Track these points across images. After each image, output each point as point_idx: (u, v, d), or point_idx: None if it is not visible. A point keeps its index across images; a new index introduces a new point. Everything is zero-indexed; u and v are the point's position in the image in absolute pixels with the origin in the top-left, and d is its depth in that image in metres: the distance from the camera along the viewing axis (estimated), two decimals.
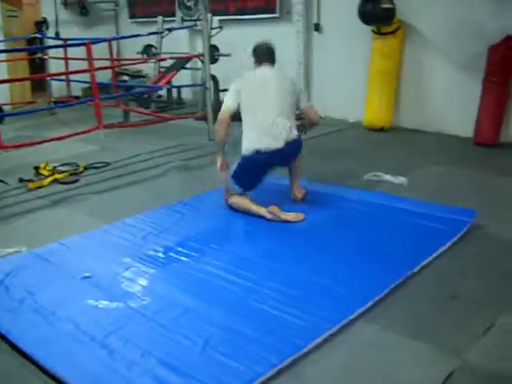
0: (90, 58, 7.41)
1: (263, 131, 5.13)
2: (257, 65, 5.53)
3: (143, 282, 4.03)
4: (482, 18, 7.80)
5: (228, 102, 5.29)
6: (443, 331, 3.46)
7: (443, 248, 4.49)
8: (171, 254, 4.47)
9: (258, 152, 5.10)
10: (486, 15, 7.75)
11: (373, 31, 8.65)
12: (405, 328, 3.48)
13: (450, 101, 8.37)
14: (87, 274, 4.11)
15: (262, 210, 5.13)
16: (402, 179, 6.22)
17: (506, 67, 7.63)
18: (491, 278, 4.14)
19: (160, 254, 4.47)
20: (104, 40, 9.26)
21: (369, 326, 3.50)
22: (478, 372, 3.09)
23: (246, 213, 5.21)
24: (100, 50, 9.05)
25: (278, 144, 5.10)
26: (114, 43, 11.30)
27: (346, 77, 9.38)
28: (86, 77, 7.76)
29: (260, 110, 5.20)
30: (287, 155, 5.27)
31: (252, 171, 5.27)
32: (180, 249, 4.54)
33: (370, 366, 3.16)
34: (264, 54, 5.52)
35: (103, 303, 3.73)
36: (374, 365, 3.17)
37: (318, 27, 9.66)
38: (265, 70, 5.48)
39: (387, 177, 6.31)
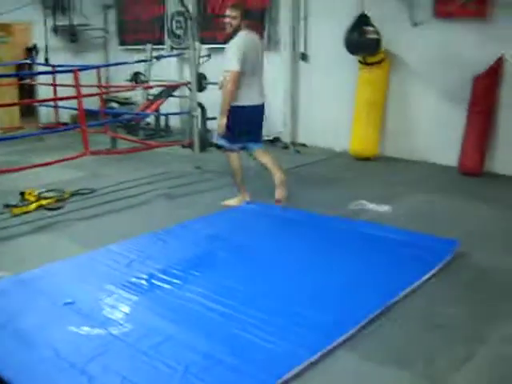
0: (77, 85, 7.44)
1: (259, 91, 6.33)
2: (244, 27, 6.21)
3: (125, 308, 4.03)
4: (466, 49, 7.94)
5: (237, 65, 5.99)
6: (423, 359, 3.48)
7: (426, 276, 4.53)
8: (154, 281, 4.47)
9: (254, 107, 6.28)
10: (471, 46, 7.88)
11: (359, 61, 8.75)
12: (385, 356, 3.51)
13: (435, 130, 8.47)
14: (69, 300, 4.10)
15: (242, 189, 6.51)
16: (385, 208, 6.27)
17: (489, 98, 7.74)
18: (473, 306, 4.18)
19: (143, 281, 4.47)
20: (91, 67, 9.32)
21: (349, 355, 3.52)
22: None
23: (233, 175, 6.55)
24: (89, 77, 9.11)
25: (263, 100, 6.41)
26: (103, 70, 11.37)
27: (332, 106, 9.46)
28: (74, 103, 7.79)
29: (257, 73, 6.25)
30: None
31: (243, 124, 6.23)
32: (163, 276, 4.54)
33: None
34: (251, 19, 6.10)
35: (84, 329, 3.72)
36: None
37: (304, 57, 9.75)
38: (254, 36, 6.36)
39: (371, 205, 6.36)
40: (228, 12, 6.16)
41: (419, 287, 4.41)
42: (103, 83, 11.68)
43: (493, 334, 3.79)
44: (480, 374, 3.37)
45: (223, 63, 6.14)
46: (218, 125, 6.29)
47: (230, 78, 6.01)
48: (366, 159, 8.81)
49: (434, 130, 8.50)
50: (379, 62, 8.61)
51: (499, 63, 7.67)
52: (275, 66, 9.61)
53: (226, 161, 6.50)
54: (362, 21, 8.26)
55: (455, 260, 4.90)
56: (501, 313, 4.08)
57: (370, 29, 8.23)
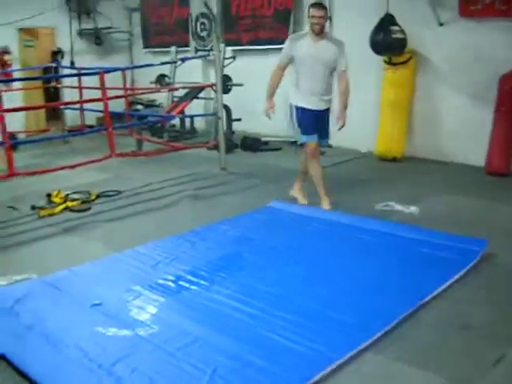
0: (103, 87, 7.46)
1: None
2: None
3: (152, 310, 4.03)
4: (492, 49, 7.86)
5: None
6: (453, 361, 3.44)
7: (454, 278, 4.47)
8: (181, 282, 4.47)
9: None
10: (497, 45, 7.81)
11: (384, 61, 8.70)
12: (414, 358, 3.46)
13: (462, 130, 8.38)
14: (96, 302, 4.11)
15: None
16: (412, 209, 6.22)
17: None
18: (502, 308, 4.12)
19: (170, 283, 4.47)
20: (117, 69, 9.34)
21: (377, 357, 3.48)
22: None
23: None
24: (114, 80, 9.14)
25: None
26: (128, 73, 11.42)
27: (357, 106, 9.37)
28: (100, 106, 7.82)
29: None
30: None
31: None
32: (190, 277, 4.54)
33: None
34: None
35: (112, 331, 3.73)
36: None
37: None
38: None
39: (398, 207, 6.31)
40: (314, 12, 5.98)
41: (447, 289, 4.35)
42: (128, 85, 11.70)
43: None
44: (510, 376, 3.32)
45: (339, 63, 6.13)
46: (344, 120, 6.24)
47: (347, 77, 6.22)
48: (392, 160, 8.75)
49: (460, 131, 8.41)
50: (405, 62, 8.55)
51: None
52: None
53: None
54: (388, 20, 8.20)
55: (483, 261, 4.83)
56: None
57: (396, 28, 8.17)
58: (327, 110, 6.33)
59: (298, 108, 6.21)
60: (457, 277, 4.51)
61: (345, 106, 6.25)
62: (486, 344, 3.63)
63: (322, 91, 6.18)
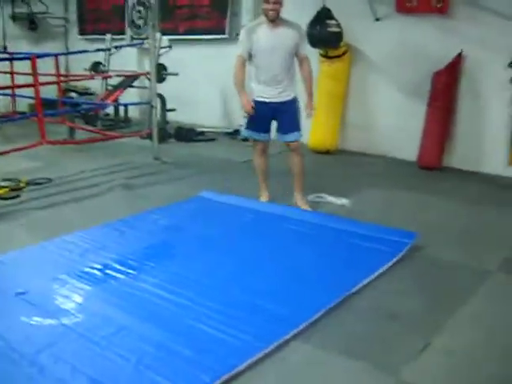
0: (35, 73, 7.29)
1: None
2: None
3: (78, 298, 3.96)
4: (427, 44, 8.00)
5: None
6: (379, 350, 3.49)
7: (383, 269, 4.53)
8: (108, 271, 4.40)
9: None
10: (431, 42, 7.94)
11: (320, 54, 8.74)
12: (341, 348, 3.50)
13: (396, 124, 8.50)
14: (21, 291, 4.01)
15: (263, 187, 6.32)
16: (344, 201, 6.28)
17: (449, 93, 7.80)
18: (428, 298, 4.20)
19: (97, 272, 4.39)
20: (49, 55, 9.17)
21: (304, 346, 3.50)
22: None
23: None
24: (47, 66, 8.96)
25: None
26: (62, 59, 11.22)
27: None
28: (32, 92, 7.63)
29: None
30: None
31: None
32: (117, 266, 4.48)
33: None
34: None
35: (36, 320, 3.65)
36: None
37: None
38: None
39: (330, 198, 6.36)
40: None
41: (377, 279, 4.41)
42: (62, 72, 11.48)
43: (447, 324, 3.82)
44: (436, 363, 3.38)
45: (300, 48, 5.89)
46: (312, 108, 6.00)
47: (309, 62, 6.04)
48: (326, 153, 8.81)
49: (394, 125, 8.52)
50: (341, 56, 8.61)
51: (459, 59, 7.72)
52: (234, 57, 9.55)
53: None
54: (324, 14, 8.23)
55: (413, 252, 4.92)
56: (454, 303, 4.11)
57: (332, 22, 8.20)
58: (291, 102, 5.97)
59: (253, 101, 5.93)
60: (386, 268, 4.57)
61: (310, 93, 5.99)
62: (413, 333, 3.70)
63: (281, 82, 5.87)
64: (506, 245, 5.26)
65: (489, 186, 7.31)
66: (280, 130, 6.07)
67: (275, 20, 5.72)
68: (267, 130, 6.08)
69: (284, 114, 5.97)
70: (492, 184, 7.38)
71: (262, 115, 5.92)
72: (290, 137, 6.05)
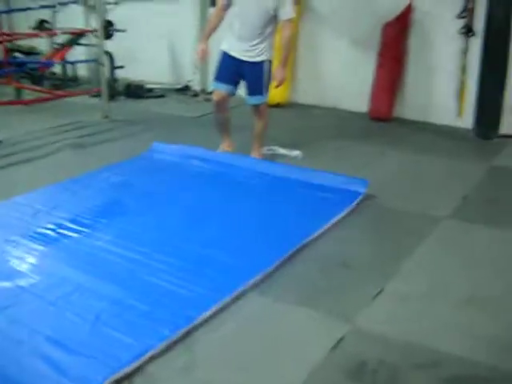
0: None
1: None
2: None
3: (32, 259, 3.92)
4: None
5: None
6: (334, 298, 3.55)
7: (336, 218, 4.60)
8: (61, 230, 4.35)
9: None
10: None
11: None
12: (296, 297, 3.55)
13: (346, 76, 8.51)
14: None
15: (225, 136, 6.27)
16: (296, 152, 6.32)
17: (398, 45, 7.83)
18: (381, 245, 4.30)
19: (50, 232, 4.34)
20: None
21: (260, 297, 3.55)
22: (368, 336, 3.20)
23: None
24: None
25: None
26: (4, 17, 10.90)
27: None
28: None
29: None
30: None
31: None
32: (70, 225, 4.43)
33: (262, 334, 3.21)
34: None
35: None
36: (265, 333, 3.22)
37: (214, 2, 9.57)
38: None
39: (282, 150, 6.39)
40: None
41: (331, 228, 4.48)
42: (5, 31, 11.18)
43: (400, 270, 3.91)
44: (390, 309, 3.47)
45: (281, 11, 5.57)
46: (281, 78, 5.81)
47: (291, 26, 5.80)
48: (276, 106, 8.77)
49: (344, 77, 8.53)
50: None
51: (408, 10, 7.74)
52: (184, 12, 9.44)
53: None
54: None
55: (366, 201, 5.01)
56: (407, 249, 4.21)
57: None
58: (259, 64, 5.75)
59: (222, 51, 5.83)
60: (339, 217, 4.63)
61: (282, 62, 5.80)
62: (366, 280, 3.78)
63: (252, 39, 5.65)
64: (457, 193, 5.36)
65: (440, 136, 7.40)
66: (246, 90, 6.00)
67: None
68: (230, 82, 5.90)
69: (250, 75, 5.86)
70: (443, 134, 7.48)
71: (227, 65, 5.85)
72: (252, 99, 5.98)
